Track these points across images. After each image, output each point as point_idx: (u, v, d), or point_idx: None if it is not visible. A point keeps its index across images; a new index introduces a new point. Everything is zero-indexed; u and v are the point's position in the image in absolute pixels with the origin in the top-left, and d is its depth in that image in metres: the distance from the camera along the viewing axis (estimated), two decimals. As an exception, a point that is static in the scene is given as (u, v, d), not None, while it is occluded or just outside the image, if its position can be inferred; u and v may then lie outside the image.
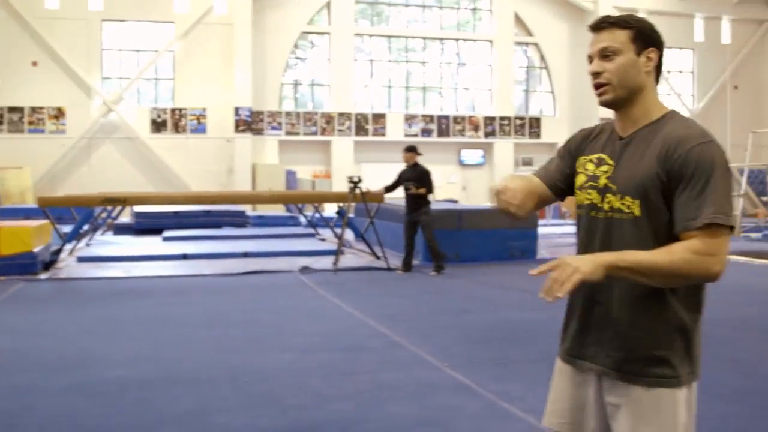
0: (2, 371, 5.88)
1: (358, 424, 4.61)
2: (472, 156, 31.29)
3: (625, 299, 2.17)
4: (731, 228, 2.06)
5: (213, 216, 19.95)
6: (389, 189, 12.49)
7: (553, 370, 2.43)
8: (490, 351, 6.61)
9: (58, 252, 13.21)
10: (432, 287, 10.71)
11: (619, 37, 2.18)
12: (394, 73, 31.22)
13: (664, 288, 2.12)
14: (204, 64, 27.95)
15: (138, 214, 19.52)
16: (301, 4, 29.12)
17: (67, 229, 14.97)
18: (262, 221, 20.95)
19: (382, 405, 4.98)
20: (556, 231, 20.26)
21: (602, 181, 2.24)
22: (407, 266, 12.15)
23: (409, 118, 30.46)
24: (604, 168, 2.25)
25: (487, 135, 31.26)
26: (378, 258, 13.20)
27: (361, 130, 29.74)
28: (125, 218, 21.00)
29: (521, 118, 31.78)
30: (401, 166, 12.20)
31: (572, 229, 2.66)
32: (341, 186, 21.14)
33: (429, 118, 30.66)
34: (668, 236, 2.09)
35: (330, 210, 20.50)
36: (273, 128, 28.87)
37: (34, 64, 26.74)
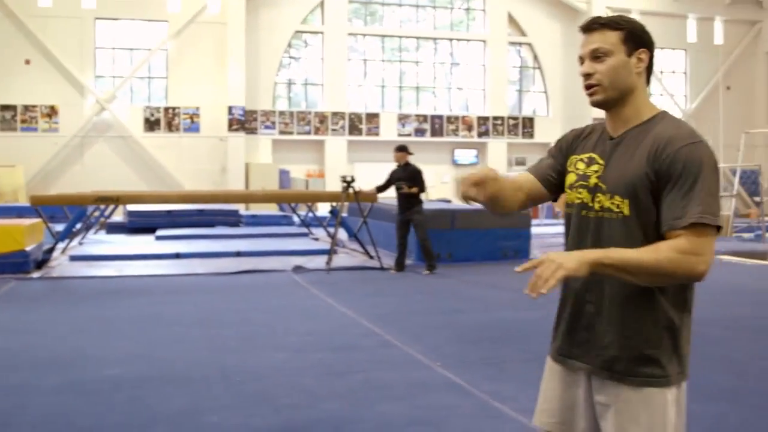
0: (-6, 370, 5.87)
1: (351, 424, 4.63)
2: (465, 156, 31.30)
3: (615, 299, 2.18)
4: (718, 228, 2.07)
5: (206, 215, 19.93)
6: (381, 189, 12.50)
7: (544, 370, 2.44)
8: (483, 351, 6.62)
9: (50, 251, 13.19)
10: (424, 287, 10.72)
11: (610, 39, 2.19)
12: (388, 73, 31.20)
13: (653, 287, 2.13)
14: (197, 63, 27.90)
15: (131, 213, 19.49)
16: (294, 4, 29.08)
17: (59, 227, 14.93)
18: (256, 220, 20.93)
19: (375, 404, 4.99)
20: (549, 231, 20.28)
21: (593, 180, 2.25)
22: (400, 266, 12.16)
23: (403, 118, 30.45)
24: (595, 167, 2.27)
25: (480, 135, 31.27)
26: (371, 257, 13.21)
27: (354, 129, 29.72)
28: (118, 217, 20.96)
29: (514, 118, 31.80)
30: (394, 166, 12.22)
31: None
32: (334, 185, 21.12)
33: (422, 118, 30.66)
34: (657, 236, 2.11)
35: (323, 209, 20.50)
36: (266, 127, 28.84)
37: (27, 62, 26.64)
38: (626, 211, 2.16)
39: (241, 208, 22.36)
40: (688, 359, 2.23)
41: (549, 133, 31.03)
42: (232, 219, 20.47)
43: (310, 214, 19.32)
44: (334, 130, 29.47)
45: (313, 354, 6.43)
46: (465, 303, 9.36)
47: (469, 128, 31.15)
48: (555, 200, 2.47)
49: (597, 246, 2.17)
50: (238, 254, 14.01)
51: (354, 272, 12.23)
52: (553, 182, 2.43)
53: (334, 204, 15.14)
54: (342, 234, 15.17)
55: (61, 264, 12.83)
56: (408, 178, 11.83)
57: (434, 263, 11.99)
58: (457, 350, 6.61)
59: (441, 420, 4.72)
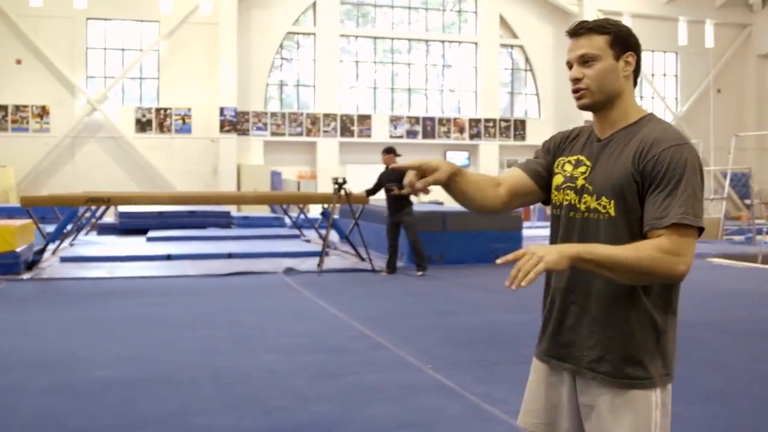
0: (-16, 372, 5.86)
1: (342, 426, 4.63)
2: (457, 158, 31.27)
3: (600, 300, 2.19)
4: (700, 230, 2.08)
5: (197, 216, 19.91)
6: (370, 192, 12.51)
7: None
8: (474, 353, 6.64)
9: (41, 252, 13.15)
10: (416, 289, 10.73)
11: (597, 43, 2.20)
12: (380, 75, 31.21)
13: (638, 289, 2.14)
14: (189, 64, 27.85)
15: (122, 214, 19.46)
16: (286, 5, 29.06)
17: (50, 228, 14.90)
18: (247, 222, 20.92)
19: (365, 406, 5.00)
20: (541, 233, 20.30)
21: (579, 182, 2.27)
22: (391, 268, 12.17)
23: (395, 120, 30.46)
24: (582, 169, 2.28)
25: (472, 137, 31.30)
26: (362, 259, 13.21)
27: (346, 131, 29.72)
28: (109, 218, 20.92)
29: (506, 120, 31.85)
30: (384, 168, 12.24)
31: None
32: (326, 187, 21.14)
33: (414, 120, 30.68)
34: (643, 237, 2.12)
35: (315, 211, 20.49)
36: (258, 129, 28.81)
37: (18, 62, 26.56)
38: (612, 212, 2.17)
39: (232, 210, 22.35)
40: (674, 361, 2.24)
41: (541, 135, 30.99)
42: (223, 220, 20.46)
43: (302, 216, 19.30)
44: (325, 131, 29.46)
45: (303, 356, 6.44)
46: (456, 305, 9.37)
47: (461, 130, 31.18)
48: (546, 202, 2.45)
49: None
50: (230, 256, 14.01)
51: (345, 274, 12.23)
52: (543, 176, 2.41)
53: (326, 206, 15.14)
54: (333, 236, 15.18)
55: (51, 265, 12.80)
56: (397, 180, 11.83)
57: (425, 264, 12.00)
58: (448, 352, 6.62)
59: (431, 422, 4.73)
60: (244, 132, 28.43)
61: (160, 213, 19.38)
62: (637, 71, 2.26)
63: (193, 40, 27.84)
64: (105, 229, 19.66)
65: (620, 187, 2.15)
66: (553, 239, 2.37)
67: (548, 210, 2.44)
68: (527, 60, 32.35)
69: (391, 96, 31.31)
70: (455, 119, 31.18)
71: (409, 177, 2.25)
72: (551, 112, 32.00)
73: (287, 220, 20.48)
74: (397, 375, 5.83)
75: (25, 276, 11.48)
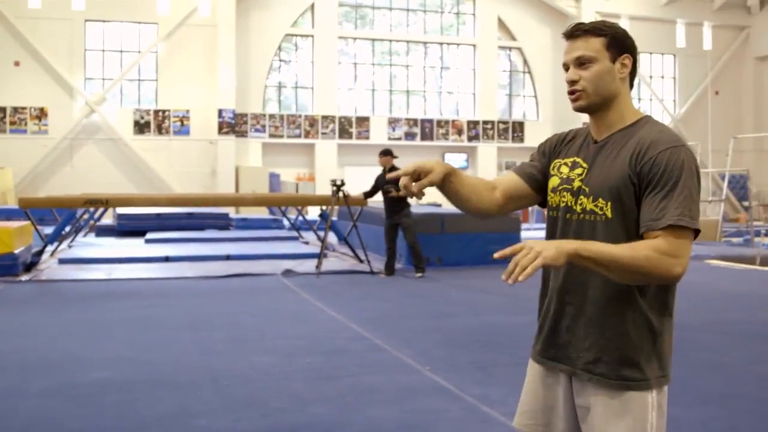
0: (-17, 373, 5.86)
1: (340, 428, 4.63)
2: (455, 160, 31.30)
3: (596, 301, 2.20)
4: (696, 232, 2.08)
5: (196, 218, 19.91)
6: (368, 195, 12.51)
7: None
8: (472, 355, 6.64)
9: (39, 253, 13.15)
10: (414, 291, 10.73)
11: (593, 45, 2.21)
12: (378, 77, 31.22)
13: (634, 289, 2.15)
14: (187, 66, 27.85)
15: (120, 216, 19.46)
16: (284, 7, 29.07)
17: (48, 230, 14.91)
18: (245, 224, 20.93)
19: (364, 408, 5.00)
20: (539, 235, 20.32)
21: (576, 183, 2.27)
22: (390, 270, 12.17)
23: (393, 122, 30.47)
24: (578, 171, 2.28)
25: (470, 139, 31.32)
26: (361, 261, 13.21)
27: (344, 133, 29.72)
28: (107, 220, 20.92)
29: (505, 122, 31.86)
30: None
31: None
32: (325, 189, 21.14)
33: (413, 122, 30.69)
34: (640, 238, 2.12)
35: (313, 213, 20.49)
36: (256, 130, 28.81)
37: (17, 64, 26.55)
38: (609, 213, 2.18)
39: (231, 212, 22.35)
40: (670, 363, 2.24)
41: (539, 137, 30.97)
42: (221, 222, 20.45)
43: (300, 218, 19.31)
44: (324, 133, 29.46)
45: (302, 358, 6.44)
46: (454, 307, 9.37)
47: (460, 132, 31.20)
48: (542, 205, 2.46)
49: None
50: (228, 258, 14.01)
51: (344, 276, 12.23)
52: (538, 180, 2.42)
53: (324, 207, 15.13)
54: (332, 238, 15.18)
55: (50, 267, 12.79)
56: (394, 182, 11.81)
57: (423, 266, 12.01)
58: (447, 354, 6.63)
59: (430, 424, 4.73)
60: (242, 134, 28.43)
61: (159, 215, 19.38)
62: (633, 73, 2.27)
63: (192, 41, 27.85)
64: (103, 231, 19.65)
65: (617, 189, 2.16)
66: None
67: (546, 212, 2.44)
68: (525, 62, 32.39)
69: (389, 98, 31.32)
70: (453, 121, 31.20)
71: (404, 181, 2.26)
72: (549, 114, 32.02)
73: (285, 222, 20.47)
74: (396, 377, 5.83)
75: (24, 278, 11.47)
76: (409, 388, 5.50)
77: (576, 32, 2.24)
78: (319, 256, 12.57)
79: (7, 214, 18.11)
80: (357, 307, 9.22)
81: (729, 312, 9.20)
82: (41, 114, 26.75)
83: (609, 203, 2.17)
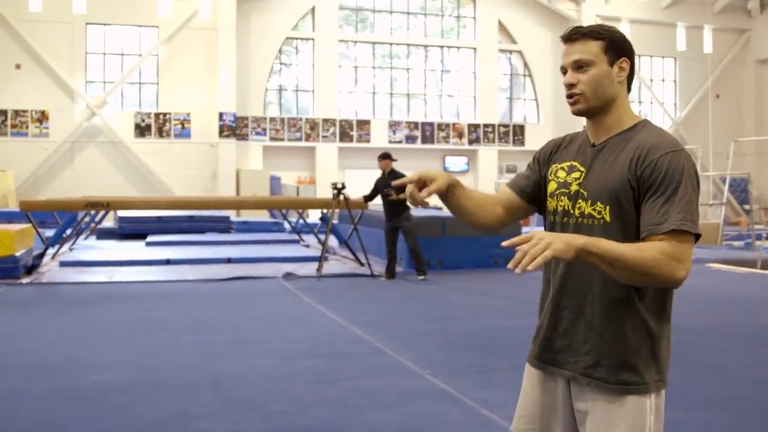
0: (-17, 376, 5.86)
1: (340, 431, 4.63)
2: (456, 163, 31.34)
3: (596, 305, 2.20)
4: (697, 237, 2.08)
5: (197, 221, 19.92)
6: (368, 198, 12.51)
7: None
8: (472, 358, 6.63)
9: (40, 256, 13.15)
10: (415, 294, 10.73)
11: (591, 49, 2.21)
12: (379, 80, 31.24)
13: (633, 293, 2.15)
14: (188, 69, 27.88)
15: (121, 219, 19.47)
16: (285, 10, 29.10)
17: (49, 233, 14.91)
18: (246, 227, 20.93)
19: (364, 412, 5.00)
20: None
21: (573, 187, 2.27)
22: (390, 273, 12.17)
23: (394, 125, 30.49)
24: (576, 175, 2.28)
25: (471, 142, 31.33)
26: (362, 264, 13.21)
27: (345, 136, 29.74)
28: (108, 223, 20.94)
29: (505, 126, 31.88)
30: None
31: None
32: (325, 192, 21.15)
33: (413, 125, 30.71)
34: (638, 241, 2.12)
35: (314, 216, 20.50)
36: (257, 134, 28.83)
37: (18, 67, 26.58)
38: (608, 217, 2.18)
39: (231, 215, 22.36)
40: (668, 367, 2.24)
41: (540, 140, 31.03)
42: (222, 225, 20.47)
43: (301, 221, 19.32)
44: (324, 136, 29.48)
45: (302, 361, 6.44)
46: (455, 310, 9.37)
47: (460, 135, 31.21)
48: (541, 212, 2.46)
49: None
50: (229, 261, 14.02)
51: (344, 279, 12.23)
52: (528, 192, 2.44)
53: (325, 211, 15.15)
54: (333, 241, 15.17)
55: (51, 270, 12.80)
56: (399, 188, 11.80)
57: (425, 269, 12.01)
58: (447, 358, 6.62)
59: (430, 428, 4.73)
60: (243, 137, 28.45)
61: (159, 218, 19.39)
62: (631, 77, 2.27)
63: (192, 45, 27.88)
64: (104, 234, 19.67)
65: (616, 193, 2.16)
66: None
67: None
68: (526, 65, 32.41)
69: (390, 101, 31.34)
70: (454, 124, 31.21)
71: (411, 189, 2.28)
72: (550, 117, 32.04)
73: (286, 225, 20.49)
74: (396, 380, 5.84)
75: (25, 280, 11.47)
76: (410, 391, 5.50)
77: (574, 35, 2.24)
78: (320, 259, 12.57)
79: (9, 217, 18.13)
80: (357, 310, 9.22)
81: (730, 315, 9.20)
82: (42, 117, 26.78)
83: (608, 207, 2.17)
